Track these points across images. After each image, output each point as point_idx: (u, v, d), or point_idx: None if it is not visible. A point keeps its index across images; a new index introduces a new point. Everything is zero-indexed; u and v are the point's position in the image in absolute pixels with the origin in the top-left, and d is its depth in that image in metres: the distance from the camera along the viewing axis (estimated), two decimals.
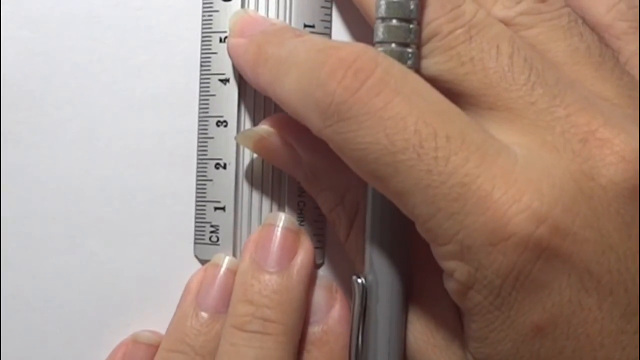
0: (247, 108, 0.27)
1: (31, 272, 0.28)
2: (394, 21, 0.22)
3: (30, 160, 0.28)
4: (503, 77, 0.21)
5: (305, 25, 0.27)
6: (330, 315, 0.26)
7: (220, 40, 0.27)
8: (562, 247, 0.19)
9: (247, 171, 0.27)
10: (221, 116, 0.27)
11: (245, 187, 0.27)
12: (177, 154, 0.28)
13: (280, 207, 0.27)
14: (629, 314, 0.20)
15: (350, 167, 0.21)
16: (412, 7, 0.22)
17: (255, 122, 0.27)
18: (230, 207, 0.27)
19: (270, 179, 0.27)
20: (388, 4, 0.22)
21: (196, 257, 0.28)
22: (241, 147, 0.27)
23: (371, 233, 0.23)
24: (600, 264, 0.19)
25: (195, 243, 0.28)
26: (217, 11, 0.27)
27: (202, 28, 0.28)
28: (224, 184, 0.27)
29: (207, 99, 0.27)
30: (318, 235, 0.27)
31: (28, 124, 0.28)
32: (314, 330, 0.26)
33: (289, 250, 0.25)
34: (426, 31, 0.22)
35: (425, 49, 0.22)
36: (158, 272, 0.28)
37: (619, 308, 0.20)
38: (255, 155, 0.27)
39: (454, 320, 0.23)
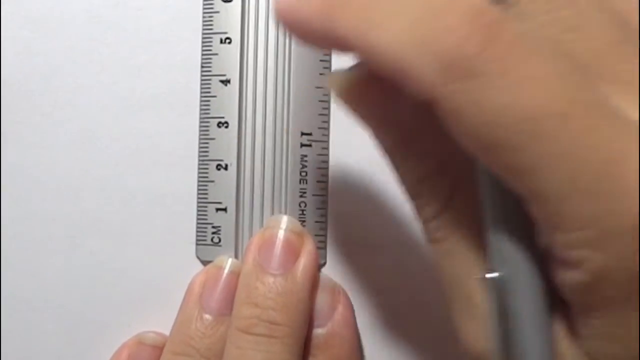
0: (248, 109, 0.27)
1: (31, 272, 0.28)
2: None
3: (30, 160, 0.28)
4: (614, 46, 0.18)
5: None
6: (334, 317, 0.26)
7: (221, 41, 0.27)
8: None
9: (248, 172, 0.27)
10: (222, 117, 0.27)
11: (246, 188, 0.27)
12: (178, 154, 0.28)
13: (282, 208, 0.27)
14: None
15: (460, 137, 0.18)
16: None
17: (256, 123, 0.27)
18: (231, 208, 0.27)
19: (272, 180, 0.27)
20: None
21: (198, 258, 0.28)
22: (242, 148, 0.27)
23: (495, 218, 0.20)
24: None
25: (196, 244, 0.28)
26: (217, 12, 0.27)
27: (203, 29, 0.28)
28: (225, 185, 0.27)
29: (208, 100, 0.27)
30: (319, 236, 0.27)
31: (28, 124, 0.28)
32: (319, 333, 0.26)
33: (292, 252, 0.25)
34: None
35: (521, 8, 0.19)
36: (159, 273, 0.28)
37: None
38: (256, 156, 0.27)
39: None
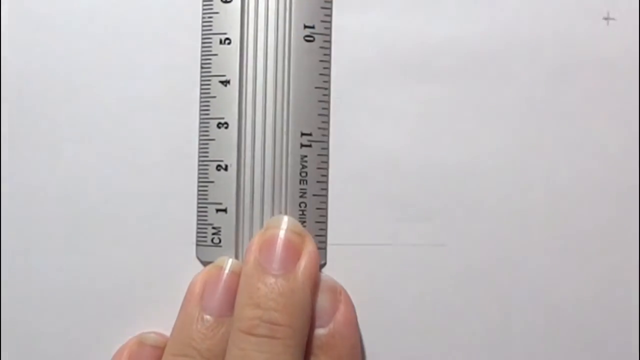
0: (248, 109, 0.27)
1: (31, 272, 0.28)
2: None
3: (30, 160, 0.28)
4: None
5: (306, 26, 0.27)
6: (336, 317, 0.26)
7: (221, 42, 0.27)
8: None
9: (248, 173, 0.27)
10: (222, 118, 0.27)
11: (247, 188, 0.27)
12: (178, 155, 0.28)
13: (282, 209, 0.27)
14: None
15: None
16: None
17: (256, 124, 0.27)
18: (232, 209, 0.27)
19: (272, 181, 0.27)
20: None
21: (198, 258, 0.28)
22: (242, 149, 0.27)
23: None
24: None
25: (197, 245, 0.28)
26: (217, 13, 0.27)
27: (202, 30, 0.28)
28: (225, 186, 0.27)
29: (208, 101, 0.27)
30: (319, 236, 0.27)
31: (28, 124, 0.28)
32: (320, 333, 0.26)
33: (293, 253, 0.25)
34: None
35: None
36: (159, 274, 0.28)
37: None
38: (256, 156, 0.27)
39: None
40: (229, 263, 0.27)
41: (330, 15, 0.28)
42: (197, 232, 0.28)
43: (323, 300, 0.26)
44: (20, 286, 0.28)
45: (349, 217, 0.28)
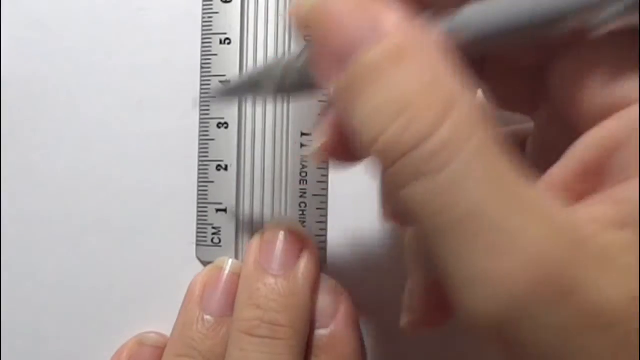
0: (248, 110, 0.27)
1: (31, 272, 0.28)
2: None
3: (30, 160, 0.28)
4: None
5: None
6: (337, 318, 0.26)
7: (221, 42, 0.27)
8: None
9: (248, 173, 0.27)
10: (222, 118, 0.27)
11: (246, 188, 0.27)
12: (178, 154, 0.28)
13: (282, 209, 0.27)
14: None
15: None
16: None
17: (256, 124, 0.27)
18: (232, 209, 0.27)
19: (272, 181, 0.27)
20: None
21: (198, 258, 0.28)
22: (242, 149, 0.27)
23: None
24: None
25: (197, 245, 0.28)
26: (217, 13, 0.27)
27: (202, 30, 0.28)
28: (225, 186, 0.27)
29: (208, 101, 0.27)
30: (320, 236, 0.27)
31: (28, 124, 0.28)
32: (321, 334, 0.26)
33: (293, 253, 0.25)
34: None
35: None
36: (159, 273, 0.28)
37: None
38: (256, 156, 0.27)
39: None
40: (229, 263, 0.27)
41: None
42: (197, 232, 0.28)
43: (324, 301, 0.26)
44: (20, 286, 0.28)
45: (348, 217, 0.28)
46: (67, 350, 0.28)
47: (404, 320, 0.23)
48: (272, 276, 0.25)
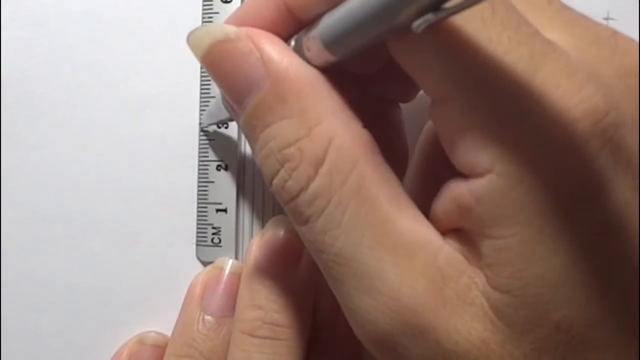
0: None
1: (31, 272, 0.28)
2: None
3: (30, 160, 0.28)
4: None
5: None
6: (338, 318, 0.26)
7: None
8: (624, 140, 0.17)
9: (248, 172, 0.27)
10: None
11: (247, 188, 0.27)
12: (178, 154, 0.28)
13: (282, 209, 0.27)
14: None
15: None
16: None
17: None
18: (232, 209, 0.27)
19: None
20: None
21: (198, 259, 0.28)
22: (243, 148, 0.27)
23: None
24: None
25: (197, 245, 0.28)
26: (217, 13, 0.27)
27: None
28: (225, 186, 0.27)
29: (208, 101, 0.27)
30: None
31: (28, 124, 0.28)
32: (322, 335, 0.26)
33: (294, 253, 0.25)
34: None
35: None
36: (159, 273, 0.28)
37: None
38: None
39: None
40: (229, 264, 0.27)
41: None
42: (197, 232, 0.28)
43: (325, 301, 0.26)
44: (20, 286, 0.28)
45: None
46: (67, 350, 0.28)
47: None
48: (273, 276, 0.25)
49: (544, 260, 0.17)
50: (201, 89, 0.28)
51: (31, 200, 0.28)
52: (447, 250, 0.18)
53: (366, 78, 0.22)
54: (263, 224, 0.27)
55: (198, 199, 0.28)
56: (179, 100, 0.28)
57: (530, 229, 0.17)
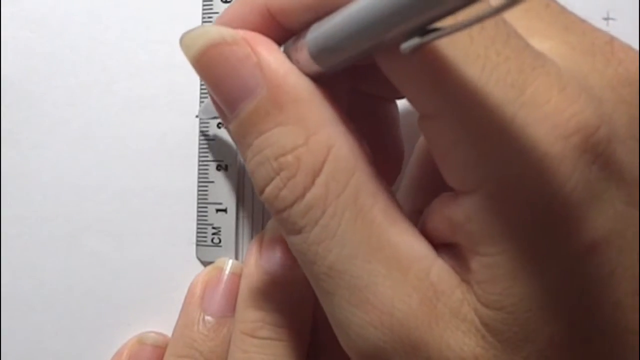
0: None
1: (31, 272, 0.28)
2: None
3: (30, 160, 0.28)
4: None
5: None
6: None
7: None
8: (615, 154, 0.17)
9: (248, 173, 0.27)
10: None
11: (247, 188, 0.27)
12: (178, 154, 0.28)
13: None
14: None
15: None
16: None
17: None
18: (232, 209, 0.27)
19: None
20: None
21: (198, 259, 0.28)
22: None
23: None
24: None
25: (197, 245, 0.28)
26: (217, 13, 0.27)
27: None
28: (225, 186, 0.27)
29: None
30: None
31: (28, 124, 0.28)
32: (322, 335, 0.26)
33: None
34: None
35: None
36: (159, 274, 0.28)
37: None
38: None
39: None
40: (229, 264, 0.27)
41: None
42: (197, 232, 0.28)
43: None
44: (20, 286, 0.28)
45: None
46: (67, 350, 0.28)
47: None
48: (274, 277, 0.25)
49: (534, 277, 0.17)
50: (201, 89, 0.28)
51: (31, 200, 0.28)
52: (440, 264, 0.18)
53: (358, 75, 0.22)
54: (263, 224, 0.27)
55: (198, 199, 0.28)
56: (178, 100, 0.28)
57: (519, 246, 0.17)
